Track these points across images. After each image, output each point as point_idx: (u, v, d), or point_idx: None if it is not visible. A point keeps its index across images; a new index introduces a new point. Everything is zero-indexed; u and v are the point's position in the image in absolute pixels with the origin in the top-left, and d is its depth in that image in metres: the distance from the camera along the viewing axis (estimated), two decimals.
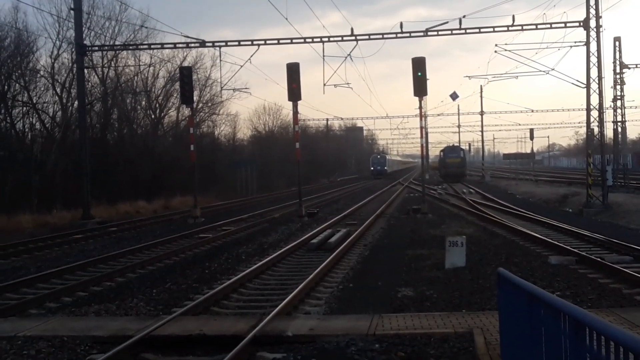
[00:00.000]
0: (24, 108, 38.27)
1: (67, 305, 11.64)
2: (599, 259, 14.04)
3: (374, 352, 7.77)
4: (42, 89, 39.41)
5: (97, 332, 8.94)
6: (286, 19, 31.59)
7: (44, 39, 53.94)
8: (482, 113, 70.93)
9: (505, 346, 6.06)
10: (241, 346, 7.92)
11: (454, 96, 63.35)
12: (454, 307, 10.31)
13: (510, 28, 28.00)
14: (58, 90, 39.62)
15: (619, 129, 44.87)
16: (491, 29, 28.51)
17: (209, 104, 55.13)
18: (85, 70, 33.13)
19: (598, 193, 28.95)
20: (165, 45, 33.48)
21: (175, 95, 48.71)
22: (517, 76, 40.77)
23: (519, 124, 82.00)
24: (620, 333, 3.03)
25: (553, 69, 33.04)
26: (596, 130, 29.54)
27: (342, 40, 29.33)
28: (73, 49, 34.95)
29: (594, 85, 28.23)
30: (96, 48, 36.78)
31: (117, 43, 41.21)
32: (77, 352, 8.30)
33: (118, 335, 8.68)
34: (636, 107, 67.41)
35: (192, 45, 31.45)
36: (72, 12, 31.42)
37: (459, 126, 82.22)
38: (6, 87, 36.41)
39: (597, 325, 3.35)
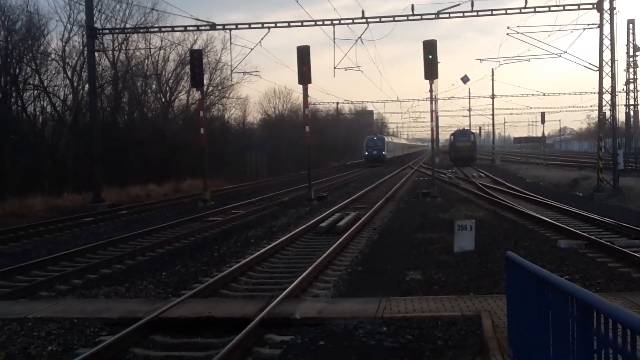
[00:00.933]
0: (35, 91, 38.39)
1: (77, 287, 11.71)
2: (608, 243, 13.99)
3: (382, 335, 7.78)
4: (53, 72, 39.53)
5: (106, 314, 9.00)
6: (297, 1, 31.56)
7: (55, 22, 54.17)
8: (493, 96, 70.56)
9: (513, 329, 6.06)
10: (249, 328, 7.96)
11: (465, 79, 63.10)
12: (462, 291, 10.30)
13: (522, 10, 27.74)
14: (69, 73, 39.72)
15: (632, 113, 44.56)
16: (503, 11, 28.28)
17: (219, 88, 55.18)
18: (96, 54, 33.16)
19: (609, 177, 28.79)
20: (176, 28, 33.41)
21: (185, 78, 48.76)
22: (529, 59, 40.48)
23: (530, 108, 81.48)
24: (627, 316, 3.01)
25: (565, 52, 32.92)
26: (608, 113, 29.36)
27: (353, 23, 29.18)
28: (84, 32, 34.92)
29: (607, 68, 28.01)
30: (107, 31, 36.76)
31: (127, 26, 41.20)
32: (87, 333, 8.37)
33: (127, 317, 8.74)
34: None
35: (203, 28, 31.38)
36: None
37: (469, 110, 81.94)
38: (17, 70, 36.51)
39: (605, 308, 3.33)
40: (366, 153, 74.90)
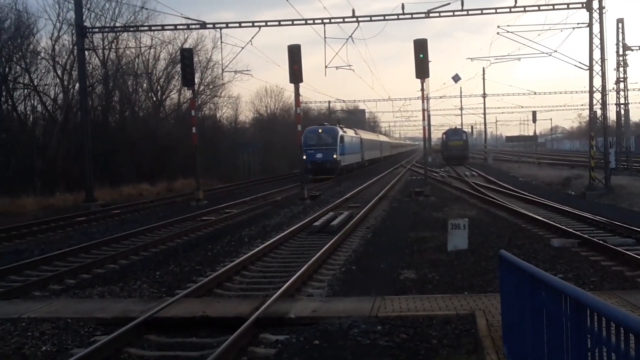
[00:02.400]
0: (25, 90, 38.20)
1: (71, 287, 11.69)
2: (601, 242, 14.05)
3: (377, 334, 7.81)
4: (43, 71, 39.35)
5: (100, 314, 8.99)
6: (287, 0, 31.48)
7: (44, 20, 53.82)
8: (484, 95, 70.70)
9: (507, 327, 6.09)
10: (244, 328, 7.97)
11: (456, 78, 63.23)
12: (456, 290, 10.34)
13: (512, 9, 27.83)
14: (59, 72, 39.55)
15: (622, 112, 44.68)
16: (493, 10, 28.39)
17: (211, 86, 55.08)
18: (86, 52, 33.04)
19: (601, 176, 28.92)
20: (166, 27, 33.31)
21: (176, 77, 48.65)
22: (520, 58, 40.72)
23: (522, 107, 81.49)
24: (621, 314, 3.04)
25: (556, 51, 33.05)
26: (599, 112, 29.46)
27: (344, 22, 29.19)
28: (73, 31, 34.82)
29: (597, 67, 28.11)
30: (96, 30, 36.61)
31: (117, 24, 41.07)
32: (81, 333, 8.36)
33: (122, 317, 8.73)
34: (639, 90, 67.18)
35: (193, 26, 31.32)
36: None
37: (461, 108, 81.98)
38: (7, 69, 36.31)
39: (598, 306, 3.36)
40: (304, 157, 40.25)
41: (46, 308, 9.40)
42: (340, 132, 46.79)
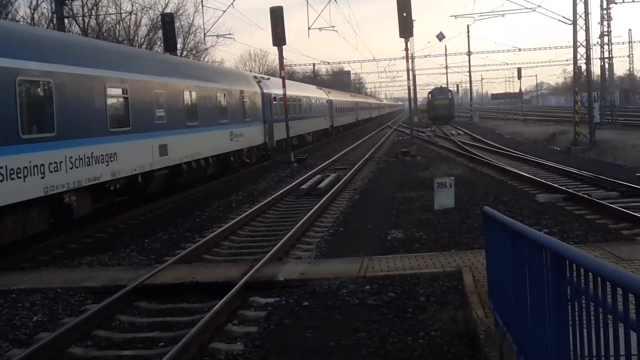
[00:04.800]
0: None
1: (60, 257, 11.69)
2: (586, 196, 14.21)
3: (365, 294, 7.91)
4: None
5: (90, 283, 9.02)
6: None
7: None
8: (469, 53, 70.51)
9: (492, 283, 6.18)
10: (233, 292, 8.04)
11: (440, 37, 62.86)
12: (443, 248, 10.44)
13: None
14: None
15: (606, 66, 44.73)
16: None
17: (194, 52, 54.38)
18: (66, 20, 32.49)
19: (585, 131, 29.07)
20: None
21: (158, 43, 47.89)
22: (504, 14, 40.56)
23: (507, 64, 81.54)
24: (598, 264, 3.09)
25: (539, 6, 32.81)
26: (583, 67, 29.49)
27: None
28: None
29: (581, 22, 28.06)
30: None
31: None
32: (72, 302, 8.40)
33: (111, 285, 8.77)
34: (623, 44, 67.23)
35: None
36: None
37: (446, 67, 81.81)
38: None
39: (577, 257, 3.41)
40: None
41: (36, 279, 9.40)
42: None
